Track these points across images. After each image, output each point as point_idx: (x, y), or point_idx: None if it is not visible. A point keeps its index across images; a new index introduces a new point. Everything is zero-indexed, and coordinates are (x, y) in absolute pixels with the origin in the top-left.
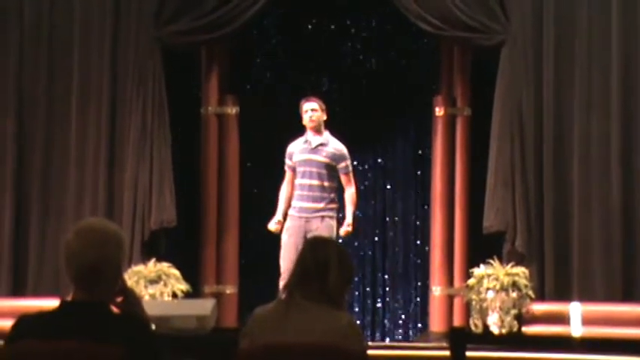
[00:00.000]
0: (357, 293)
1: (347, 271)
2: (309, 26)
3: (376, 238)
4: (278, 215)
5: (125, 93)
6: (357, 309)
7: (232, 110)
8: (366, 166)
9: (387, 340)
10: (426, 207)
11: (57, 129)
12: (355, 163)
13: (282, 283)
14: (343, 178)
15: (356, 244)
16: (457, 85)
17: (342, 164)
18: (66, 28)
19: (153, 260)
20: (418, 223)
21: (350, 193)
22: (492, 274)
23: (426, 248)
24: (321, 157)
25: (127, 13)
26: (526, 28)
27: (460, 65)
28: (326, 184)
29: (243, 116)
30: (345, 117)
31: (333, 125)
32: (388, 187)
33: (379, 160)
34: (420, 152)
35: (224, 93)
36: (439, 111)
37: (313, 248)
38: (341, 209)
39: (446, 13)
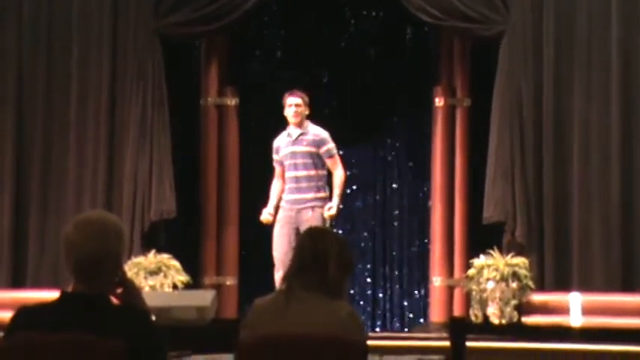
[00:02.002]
0: (357, 284)
1: (346, 261)
2: (309, 17)
3: (376, 230)
4: (269, 208)
5: (124, 85)
6: (357, 299)
7: (232, 101)
8: (366, 158)
9: (388, 330)
10: (426, 198)
11: (56, 121)
12: (355, 154)
13: (276, 274)
14: (329, 162)
15: (356, 235)
16: (457, 75)
17: (324, 148)
18: (65, 20)
19: (153, 252)
20: (418, 214)
21: (337, 176)
22: (492, 265)
23: (426, 239)
24: (302, 147)
25: (126, 5)
26: (526, 19)
27: (460, 56)
28: (312, 172)
29: (242, 107)
30: (344, 109)
31: (332, 117)
32: (388, 177)
33: (379, 152)
34: (419, 143)
35: (224, 84)
36: (439, 101)
37: (312, 238)
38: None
39: (446, 4)
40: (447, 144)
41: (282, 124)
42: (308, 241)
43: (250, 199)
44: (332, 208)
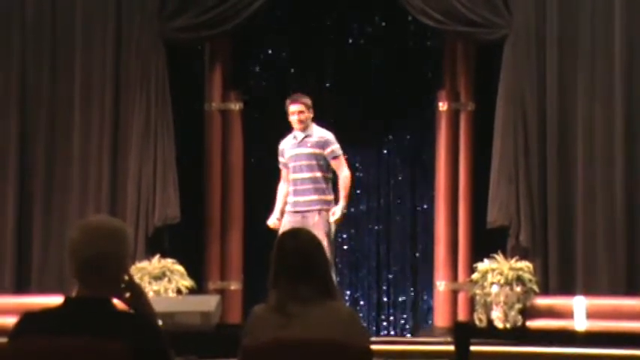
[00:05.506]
0: (361, 288)
1: (326, 256)
2: (313, 22)
3: (380, 233)
4: (276, 213)
5: (128, 89)
6: (362, 303)
7: (236, 106)
8: (370, 161)
9: (392, 334)
10: (429, 202)
11: (60, 125)
12: (359, 158)
13: None
14: (333, 164)
15: (360, 238)
16: (460, 79)
17: (328, 150)
18: (68, 24)
19: (157, 256)
20: (422, 218)
21: (342, 177)
22: (496, 269)
23: (430, 243)
24: (306, 148)
25: (130, 9)
26: (529, 22)
27: (463, 60)
28: (317, 174)
29: (246, 112)
30: (348, 112)
31: (336, 121)
32: (392, 181)
33: (383, 155)
34: (423, 147)
35: (228, 89)
36: (442, 106)
37: (292, 241)
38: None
39: (449, 7)
40: (451, 148)
41: (286, 128)
42: (290, 245)
43: (254, 204)
44: (335, 212)
